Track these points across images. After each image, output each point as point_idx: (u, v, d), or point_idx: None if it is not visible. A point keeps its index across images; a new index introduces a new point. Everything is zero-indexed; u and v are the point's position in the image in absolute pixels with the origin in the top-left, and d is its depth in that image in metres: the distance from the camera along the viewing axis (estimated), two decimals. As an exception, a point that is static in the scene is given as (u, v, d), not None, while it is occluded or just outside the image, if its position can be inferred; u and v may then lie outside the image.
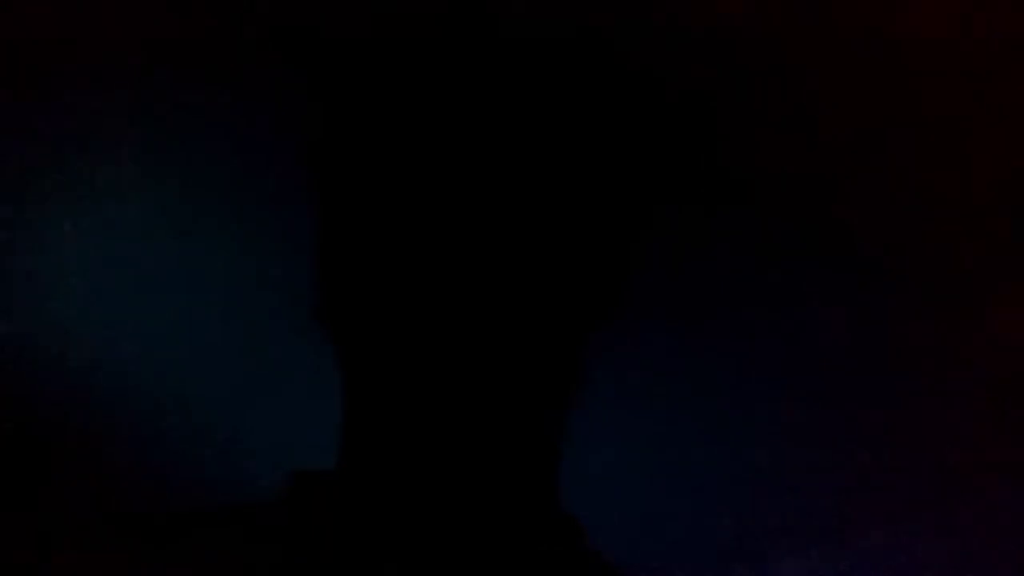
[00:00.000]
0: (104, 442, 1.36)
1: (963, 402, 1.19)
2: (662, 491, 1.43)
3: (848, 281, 1.07)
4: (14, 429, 1.30)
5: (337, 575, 0.74)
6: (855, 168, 0.95)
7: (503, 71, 0.76)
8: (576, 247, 0.77)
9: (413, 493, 0.75)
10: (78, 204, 1.08)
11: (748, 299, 1.10)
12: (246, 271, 1.15)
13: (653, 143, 0.88)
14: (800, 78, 0.88)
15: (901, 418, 1.23)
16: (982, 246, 1.01)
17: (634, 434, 1.31)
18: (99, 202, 1.08)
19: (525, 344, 0.75)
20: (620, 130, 0.82)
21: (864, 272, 1.05)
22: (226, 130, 0.98)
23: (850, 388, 1.20)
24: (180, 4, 0.87)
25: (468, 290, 0.73)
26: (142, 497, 1.36)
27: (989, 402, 1.19)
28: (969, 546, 1.36)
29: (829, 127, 0.92)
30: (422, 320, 0.73)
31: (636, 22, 0.83)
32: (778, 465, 1.33)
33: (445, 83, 0.76)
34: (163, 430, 1.36)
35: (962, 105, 0.89)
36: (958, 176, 0.95)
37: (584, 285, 0.79)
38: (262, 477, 1.35)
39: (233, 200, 1.06)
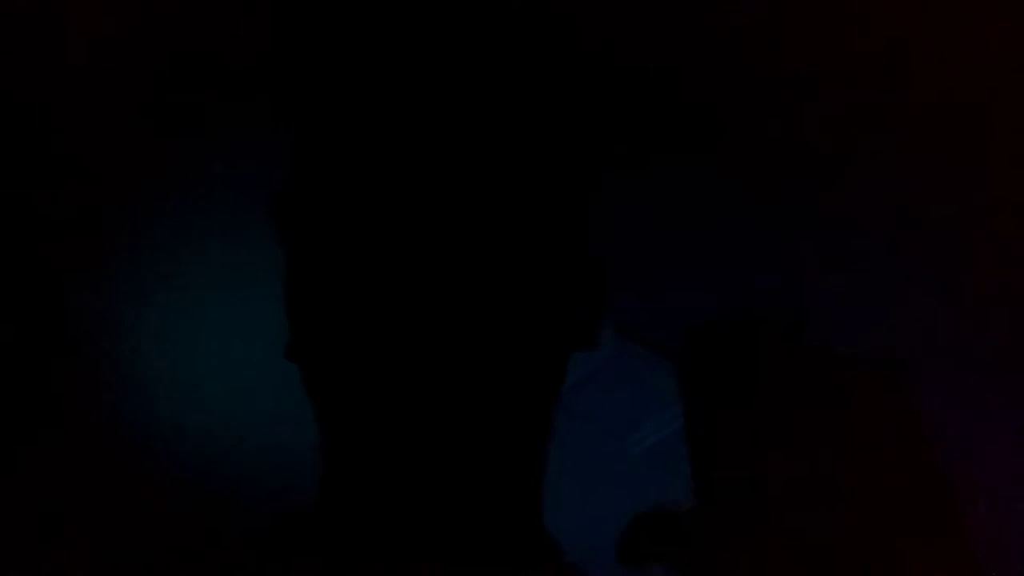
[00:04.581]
0: (97, 448, 1.36)
1: (964, 398, 1.20)
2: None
3: (848, 278, 1.07)
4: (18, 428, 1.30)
5: None
6: (855, 165, 0.95)
7: (479, 73, 0.75)
8: (543, 294, 0.76)
9: (388, 531, 0.74)
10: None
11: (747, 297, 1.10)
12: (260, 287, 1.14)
13: (649, 152, 0.88)
14: (800, 78, 0.88)
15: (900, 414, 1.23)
16: (982, 243, 1.01)
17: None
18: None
19: (500, 379, 0.74)
20: (612, 143, 0.82)
21: (864, 269, 1.06)
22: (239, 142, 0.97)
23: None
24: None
25: (439, 328, 0.72)
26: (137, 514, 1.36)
27: (989, 397, 1.19)
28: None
29: (829, 126, 0.92)
30: (391, 359, 0.72)
31: (636, 24, 0.83)
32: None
33: (416, 94, 0.75)
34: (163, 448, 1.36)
35: (962, 105, 0.89)
36: (957, 174, 0.95)
37: (556, 330, 0.78)
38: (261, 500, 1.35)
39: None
